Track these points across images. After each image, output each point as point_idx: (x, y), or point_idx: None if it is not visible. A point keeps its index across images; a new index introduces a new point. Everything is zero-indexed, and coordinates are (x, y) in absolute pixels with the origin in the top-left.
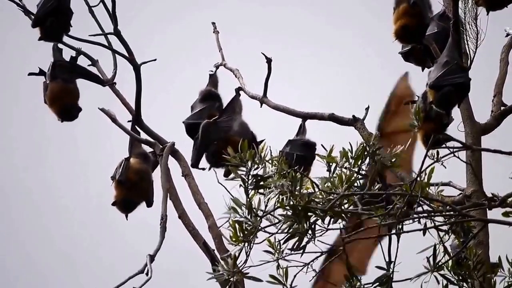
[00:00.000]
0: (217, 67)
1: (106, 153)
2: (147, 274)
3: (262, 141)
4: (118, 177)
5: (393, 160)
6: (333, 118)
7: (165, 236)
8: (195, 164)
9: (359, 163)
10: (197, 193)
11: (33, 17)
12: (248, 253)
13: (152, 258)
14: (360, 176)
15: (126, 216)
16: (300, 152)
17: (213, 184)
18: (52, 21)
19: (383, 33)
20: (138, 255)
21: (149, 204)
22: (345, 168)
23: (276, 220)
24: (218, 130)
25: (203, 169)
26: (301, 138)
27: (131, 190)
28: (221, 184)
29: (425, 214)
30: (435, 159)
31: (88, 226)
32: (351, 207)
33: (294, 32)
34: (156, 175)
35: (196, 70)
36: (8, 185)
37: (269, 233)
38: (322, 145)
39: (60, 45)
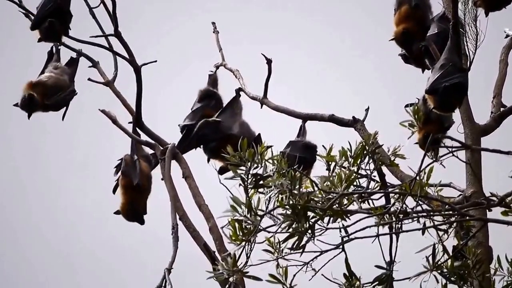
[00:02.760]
0: (217, 67)
1: (107, 154)
2: (165, 287)
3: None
4: (135, 180)
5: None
6: (333, 119)
7: (178, 246)
8: (181, 151)
9: (358, 162)
10: (197, 194)
11: (33, 16)
12: (248, 253)
13: (169, 271)
14: (359, 176)
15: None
16: (301, 154)
17: (214, 185)
18: (51, 22)
19: (383, 35)
20: (138, 256)
21: (144, 211)
22: (344, 167)
23: (276, 220)
24: (216, 130)
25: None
26: (301, 140)
27: (139, 195)
28: (223, 184)
29: (424, 214)
30: (434, 159)
31: (87, 228)
32: (350, 206)
33: (294, 33)
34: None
35: (196, 70)
36: (6, 187)
37: (268, 232)
38: (323, 145)
39: (60, 46)
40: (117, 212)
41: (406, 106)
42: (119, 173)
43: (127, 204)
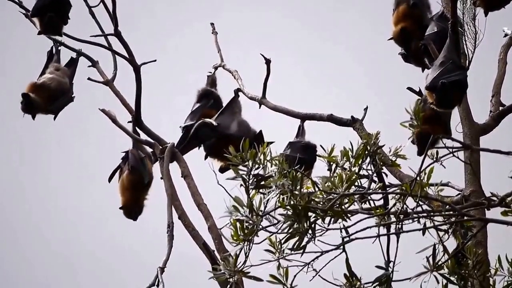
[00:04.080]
0: (216, 68)
1: (107, 154)
2: (157, 285)
3: (271, 142)
4: (146, 179)
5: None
6: (331, 118)
7: (173, 245)
8: (180, 151)
9: (359, 162)
10: (196, 193)
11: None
12: (247, 253)
13: (162, 270)
14: (360, 176)
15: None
16: (301, 155)
17: (213, 185)
18: (51, 16)
19: (381, 35)
20: (138, 256)
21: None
22: (345, 168)
23: (273, 220)
24: (214, 129)
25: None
26: (301, 140)
27: (144, 194)
28: (221, 186)
29: (425, 214)
30: (434, 159)
31: (86, 228)
32: (351, 207)
33: (292, 33)
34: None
35: (196, 70)
36: (6, 187)
37: (269, 232)
38: (321, 145)
39: (60, 46)
40: (122, 208)
41: (408, 88)
42: (126, 166)
43: (132, 201)
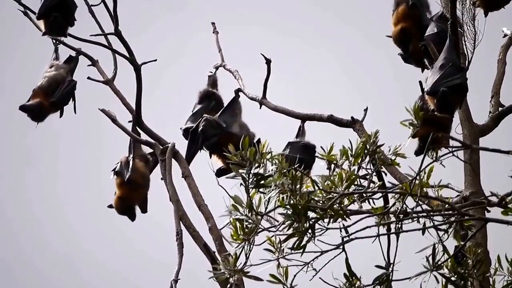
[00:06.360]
0: (216, 68)
1: (107, 153)
2: None
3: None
4: (126, 177)
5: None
6: (332, 119)
7: (183, 253)
8: (189, 160)
9: (359, 161)
10: (197, 194)
11: (33, 14)
12: (248, 252)
13: (176, 282)
14: (360, 175)
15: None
16: (300, 155)
17: (214, 185)
18: (56, 16)
19: (381, 35)
20: (142, 256)
21: (144, 210)
22: (344, 168)
23: (273, 221)
24: (217, 126)
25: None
26: (301, 141)
27: (133, 192)
28: (222, 187)
29: (424, 214)
30: (434, 158)
31: (87, 229)
32: (351, 206)
33: (293, 33)
34: (153, 176)
35: (196, 69)
36: (6, 187)
37: (269, 231)
38: (321, 147)
39: (59, 44)
40: (110, 206)
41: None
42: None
43: (118, 199)
